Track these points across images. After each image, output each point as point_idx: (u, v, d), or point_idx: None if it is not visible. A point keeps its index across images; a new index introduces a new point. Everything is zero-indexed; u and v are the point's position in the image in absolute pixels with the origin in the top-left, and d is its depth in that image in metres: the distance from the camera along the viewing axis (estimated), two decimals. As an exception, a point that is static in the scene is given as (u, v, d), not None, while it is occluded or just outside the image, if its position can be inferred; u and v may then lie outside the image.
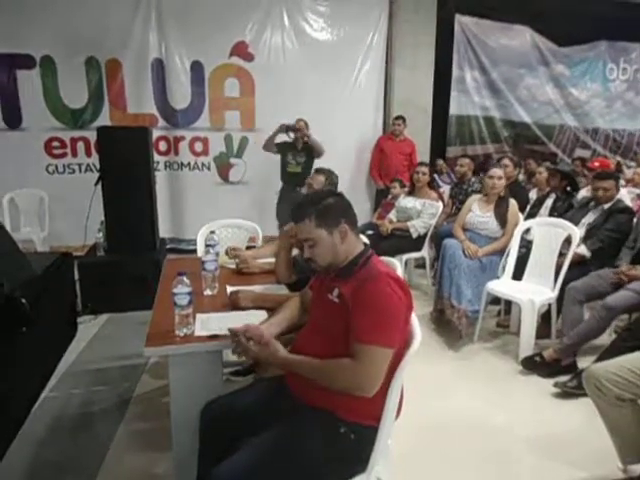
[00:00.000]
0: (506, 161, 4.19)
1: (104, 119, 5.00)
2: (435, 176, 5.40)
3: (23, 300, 1.89)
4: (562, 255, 3.06)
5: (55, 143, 5.00)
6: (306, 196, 1.54)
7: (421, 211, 4.04)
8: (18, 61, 4.74)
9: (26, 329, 1.92)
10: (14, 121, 4.85)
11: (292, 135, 4.74)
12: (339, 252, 1.43)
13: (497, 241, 3.33)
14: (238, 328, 1.43)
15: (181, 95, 5.19)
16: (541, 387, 2.65)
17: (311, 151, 4.77)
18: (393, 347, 1.28)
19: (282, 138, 4.81)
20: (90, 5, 4.73)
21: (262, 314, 1.72)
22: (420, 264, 4.43)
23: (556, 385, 2.56)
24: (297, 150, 4.76)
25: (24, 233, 4.51)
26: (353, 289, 1.35)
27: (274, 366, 1.45)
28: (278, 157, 5.06)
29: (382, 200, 4.93)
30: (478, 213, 3.42)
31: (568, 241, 3.03)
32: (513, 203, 3.40)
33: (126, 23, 4.90)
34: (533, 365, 2.78)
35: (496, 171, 3.41)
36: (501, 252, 3.34)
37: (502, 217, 3.33)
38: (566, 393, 2.52)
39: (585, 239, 3.12)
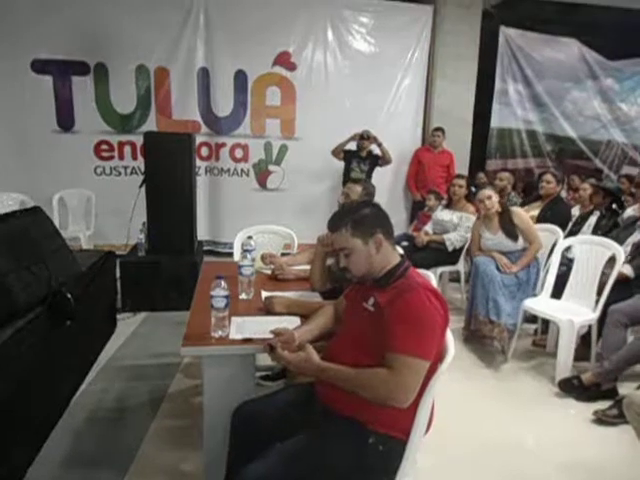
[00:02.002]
0: (548, 177, 4.09)
1: (150, 125, 5.18)
2: (472, 189, 5.33)
3: (69, 295, 1.99)
4: (604, 275, 2.95)
5: (104, 146, 5.22)
6: (342, 206, 1.57)
7: (458, 224, 3.99)
8: (74, 68, 4.99)
9: (70, 323, 2.02)
10: (67, 124, 5.09)
11: (358, 144, 5.04)
12: (374, 262, 1.44)
13: (526, 252, 3.23)
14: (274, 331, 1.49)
15: (224, 103, 5.32)
16: (578, 411, 2.56)
17: (374, 160, 5.09)
18: (429, 359, 1.28)
19: (348, 146, 5.10)
20: (142, 15, 4.93)
21: (296, 320, 1.75)
22: (454, 278, 4.37)
23: (595, 413, 2.46)
24: (362, 158, 5.07)
25: (71, 231, 4.70)
26: (390, 299, 1.35)
27: (306, 373, 1.43)
28: (316, 166, 5.27)
29: (418, 212, 4.91)
30: (489, 236, 3.34)
31: (612, 261, 2.93)
32: (516, 212, 3.31)
33: (176, 33, 5.08)
34: (571, 388, 2.69)
35: (483, 192, 3.33)
36: (535, 263, 3.28)
37: (511, 231, 3.24)
38: (605, 421, 2.43)
39: (631, 259, 3.00)
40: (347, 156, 5.12)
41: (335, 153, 5.12)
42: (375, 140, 5.07)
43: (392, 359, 1.27)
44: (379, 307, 1.38)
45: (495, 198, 3.29)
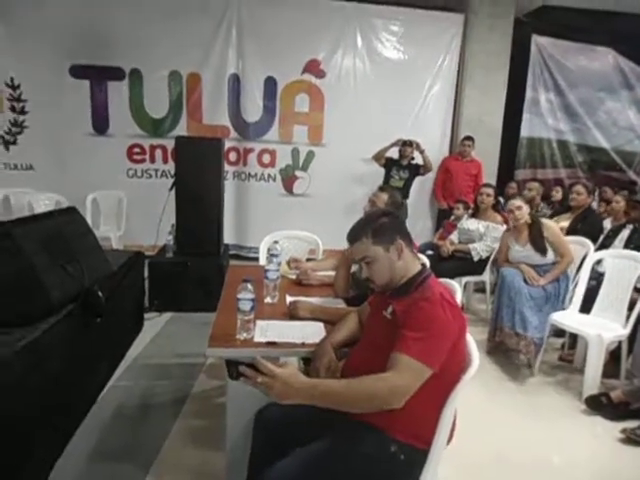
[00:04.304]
0: (579, 188, 3.99)
1: (181, 129, 5.30)
2: (500, 199, 5.26)
3: (100, 293, 2.04)
4: (637, 290, 2.87)
5: (136, 149, 5.36)
6: (361, 218, 1.58)
7: (484, 234, 3.94)
8: (110, 73, 5.15)
9: (100, 320, 2.07)
10: (102, 127, 5.25)
11: (401, 150, 5.14)
12: (396, 269, 1.44)
13: (557, 265, 3.16)
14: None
15: (253, 109, 5.41)
16: (606, 429, 2.49)
17: (414, 169, 5.18)
18: (432, 367, 1.26)
19: (389, 154, 5.19)
20: (176, 23, 5.05)
21: (319, 326, 1.76)
22: (480, 288, 4.31)
23: (623, 432, 2.39)
24: (401, 166, 5.15)
25: (103, 231, 4.83)
26: (406, 307, 1.36)
27: (290, 395, 1.20)
28: (342, 172, 5.37)
29: (444, 220, 4.87)
30: (517, 248, 3.27)
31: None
32: (547, 224, 3.23)
33: (208, 40, 5.20)
34: (598, 405, 2.62)
35: (513, 202, 3.26)
36: (564, 277, 3.21)
37: (540, 245, 3.16)
38: (634, 441, 2.35)
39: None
40: (388, 163, 5.17)
41: (377, 158, 5.17)
42: (418, 147, 5.11)
43: (395, 359, 1.26)
44: (395, 315, 1.38)
45: (525, 209, 3.23)
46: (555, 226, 3.29)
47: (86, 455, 2.09)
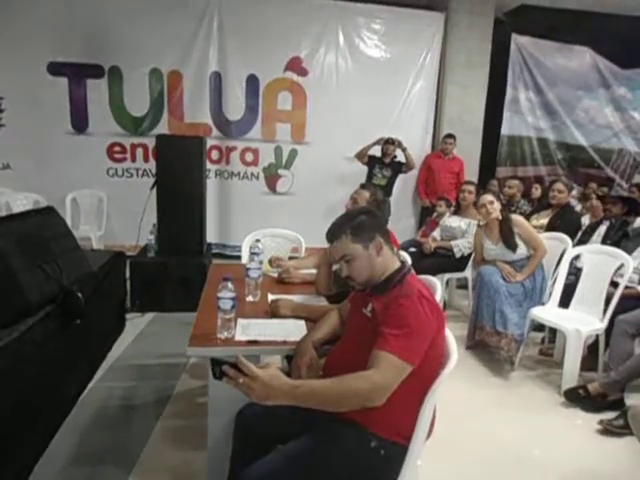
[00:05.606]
0: (560, 186, 4.04)
1: (162, 127, 5.24)
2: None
3: (79, 294, 2.02)
4: (614, 284, 2.93)
5: (117, 148, 5.28)
6: (339, 216, 1.58)
7: (466, 231, 3.98)
8: (89, 71, 5.07)
9: (80, 321, 2.05)
10: (81, 126, 5.17)
11: (383, 149, 5.15)
12: (376, 266, 1.45)
13: (532, 259, 3.18)
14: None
15: (236, 107, 5.38)
16: (584, 421, 2.54)
17: (397, 167, 5.20)
18: (412, 363, 1.28)
19: (372, 152, 5.20)
20: (156, 20, 5.00)
21: (301, 324, 1.77)
22: (462, 285, 4.36)
23: (601, 423, 2.45)
24: (384, 164, 5.17)
25: (82, 231, 4.76)
26: (385, 304, 1.37)
27: (271, 397, 1.18)
28: (325, 170, 5.35)
29: (427, 218, 4.92)
30: (491, 246, 3.29)
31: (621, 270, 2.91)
32: (516, 220, 3.22)
33: (189, 37, 5.15)
34: (577, 398, 2.67)
35: (485, 197, 3.27)
36: (540, 271, 3.25)
37: (511, 241, 3.17)
38: (611, 432, 2.41)
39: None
40: (370, 161, 5.19)
41: (360, 156, 5.19)
42: (400, 145, 5.14)
43: (375, 356, 1.27)
44: (375, 313, 1.40)
45: (497, 205, 3.25)
46: (524, 221, 3.31)
47: (67, 457, 2.06)
